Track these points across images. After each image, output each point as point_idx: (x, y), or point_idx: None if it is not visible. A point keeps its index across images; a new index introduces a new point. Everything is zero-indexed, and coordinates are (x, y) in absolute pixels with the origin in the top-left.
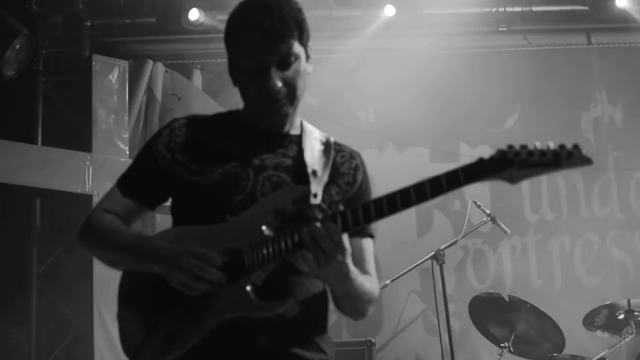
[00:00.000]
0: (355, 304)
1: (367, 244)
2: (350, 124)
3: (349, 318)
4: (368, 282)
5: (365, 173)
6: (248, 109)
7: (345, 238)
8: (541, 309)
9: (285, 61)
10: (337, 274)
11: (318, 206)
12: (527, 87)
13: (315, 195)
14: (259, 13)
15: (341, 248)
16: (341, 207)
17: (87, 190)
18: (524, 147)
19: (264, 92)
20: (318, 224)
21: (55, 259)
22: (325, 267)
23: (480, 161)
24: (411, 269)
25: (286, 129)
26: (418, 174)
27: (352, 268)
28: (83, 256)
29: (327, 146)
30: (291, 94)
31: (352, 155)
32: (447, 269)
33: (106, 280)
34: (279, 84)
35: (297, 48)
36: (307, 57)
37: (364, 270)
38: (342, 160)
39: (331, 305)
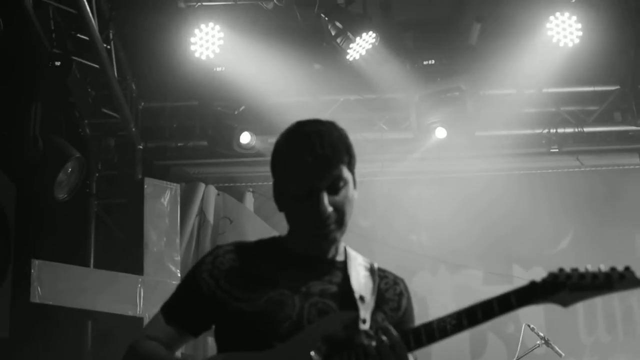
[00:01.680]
0: None
1: None
2: (402, 246)
3: None
4: None
5: (409, 299)
6: (295, 234)
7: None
8: None
9: (335, 186)
10: None
11: (366, 332)
12: (580, 208)
13: (364, 321)
14: (309, 138)
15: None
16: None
17: (138, 312)
18: (575, 270)
19: (314, 217)
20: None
21: None
22: None
23: (532, 284)
24: None
25: (331, 254)
26: (470, 297)
27: None
28: None
29: (372, 272)
30: (340, 220)
31: (396, 281)
32: None
33: None
34: (330, 208)
35: (346, 173)
36: (355, 182)
37: None
38: (386, 287)
39: None
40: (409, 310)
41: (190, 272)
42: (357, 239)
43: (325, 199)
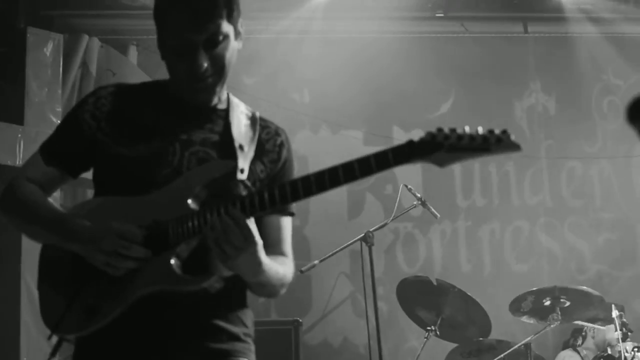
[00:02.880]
0: (266, 289)
1: (287, 222)
2: (284, 104)
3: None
4: (282, 267)
5: (289, 151)
6: (175, 84)
7: (255, 229)
8: (469, 293)
9: (213, 40)
10: (247, 266)
11: (243, 182)
12: (462, 73)
13: (242, 171)
14: None
15: (252, 243)
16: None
17: (17, 163)
18: (453, 130)
19: (190, 71)
20: (227, 218)
21: None
22: (234, 259)
23: (410, 143)
24: (340, 249)
25: (213, 103)
26: (351, 157)
27: (265, 260)
28: (11, 229)
29: (253, 121)
30: (218, 72)
31: (278, 132)
32: (376, 252)
33: (34, 254)
34: (206, 63)
35: (226, 27)
36: (237, 34)
37: (280, 251)
38: (267, 137)
39: None
40: (288, 162)
41: (71, 112)
42: (240, 96)
43: (201, 53)
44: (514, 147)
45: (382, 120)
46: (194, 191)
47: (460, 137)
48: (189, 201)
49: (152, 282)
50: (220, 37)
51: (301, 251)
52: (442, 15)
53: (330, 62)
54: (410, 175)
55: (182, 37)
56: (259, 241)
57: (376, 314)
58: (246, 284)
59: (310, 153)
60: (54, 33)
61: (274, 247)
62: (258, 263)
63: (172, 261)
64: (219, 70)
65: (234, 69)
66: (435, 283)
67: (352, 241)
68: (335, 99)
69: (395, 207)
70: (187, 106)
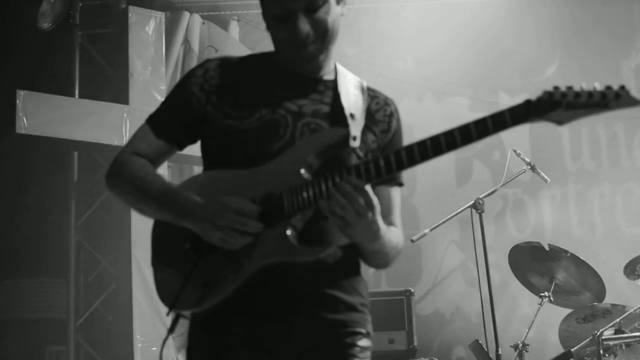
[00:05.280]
0: (381, 259)
1: (396, 192)
2: (388, 73)
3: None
4: (394, 236)
5: (399, 121)
6: (280, 54)
7: (373, 194)
8: (581, 258)
9: (313, 6)
10: (366, 232)
11: (355, 151)
12: (566, 35)
13: (354, 138)
14: None
15: (370, 206)
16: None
17: (124, 142)
18: (570, 88)
19: (292, 38)
20: (346, 185)
21: (93, 211)
22: (355, 226)
23: (527, 102)
24: (450, 218)
25: (321, 73)
26: (457, 123)
27: (383, 226)
28: (121, 208)
29: (362, 91)
30: (321, 37)
31: (387, 102)
32: (486, 219)
33: (145, 232)
34: (307, 28)
35: None
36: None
37: (389, 222)
38: (377, 107)
39: None
40: (398, 132)
41: (179, 84)
42: (343, 66)
43: (302, 19)
44: (634, 102)
45: (487, 86)
46: (307, 160)
47: (578, 94)
48: (302, 171)
49: (269, 254)
50: (320, 2)
51: (410, 221)
52: None
53: (432, 30)
54: (517, 141)
55: (281, 4)
56: (378, 205)
57: (489, 281)
58: (359, 254)
59: (415, 121)
60: (156, 11)
61: (383, 218)
62: (377, 228)
63: (289, 232)
64: (322, 35)
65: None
66: (547, 248)
67: (462, 209)
68: (439, 66)
69: (505, 173)
70: (295, 77)
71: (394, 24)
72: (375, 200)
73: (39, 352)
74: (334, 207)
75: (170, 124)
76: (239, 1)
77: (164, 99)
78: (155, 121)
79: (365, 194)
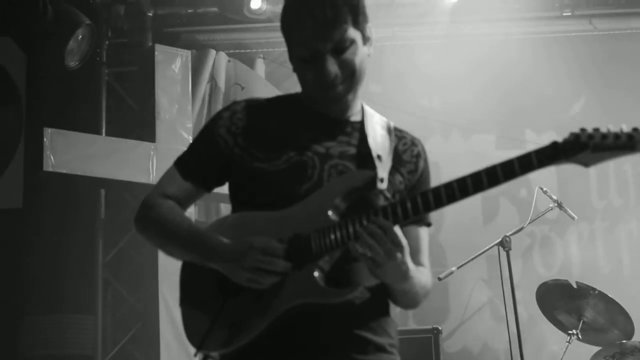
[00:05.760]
0: (411, 299)
1: (424, 233)
2: (414, 111)
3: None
4: (424, 276)
5: (426, 161)
6: (307, 95)
7: (401, 235)
8: (609, 295)
9: (340, 47)
10: (395, 273)
11: (382, 192)
12: (593, 72)
13: (382, 180)
14: (310, 1)
15: (399, 247)
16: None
17: (151, 180)
18: (597, 130)
19: (320, 79)
20: (374, 226)
21: (120, 249)
22: (384, 267)
23: (554, 144)
24: (477, 255)
25: (348, 114)
26: (483, 161)
27: (412, 266)
28: (148, 246)
29: (389, 132)
30: (349, 79)
31: (414, 142)
32: (513, 256)
33: (172, 270)
34: (335, 69)
35: (352, 33)
36: (366, 40)
37: (418, 262)
38: (404, 148)
39: None
40: (425, 173)
41: (207, 126)
42: (369, 105)
43: (329, 60)
44: None
45: (513, 124)
46: (334, 202)
47: (605, 136)
48: (330, 212)
49: (297, 296)
50: (347, 43)
51: (437, 258)
52: (569, 14)
53: (458, 67)
54: (544, 178)
55: (309, 47)
56: (407, 246)
57: (516, 319)
58: (388, 295)
59: (442, 159)
60: (182, 50)
61: (412, 258)
62: (406, 268)
63: (316, 274)
64: (350, 76)
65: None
66: (575, 286)
67: (489, 246)
68: (465, 104)
69: (532, 210)
70: (322, 119)
71: (419, 61)
72: (404, 240)
73: None
74: (363, 249)
75: (197, 166)
76: (265, 39)
77: (191, 142)
78: (183, 163)
79: (393, 235)
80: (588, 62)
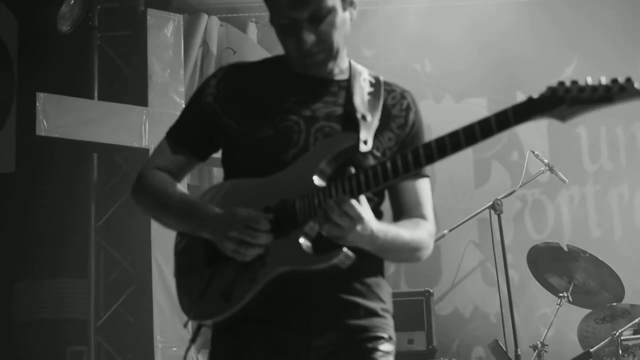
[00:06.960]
0: (396, 256)
1: (423, 184)
2: (406, 75)
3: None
4: (410, 231)
5: (417, 112)
6: (290, 60)
7: (363, 201)
8: (600, 258)
9: (317, 15)
10: (360, 240)
11: (371, 152)
12: (584, 35)
13: (365, 142)
14: None
15: (357, 219)
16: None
17: (143, 144)
18: (574, 82)
19: (297, 48)
20: (331, 201)
21: (113, 213)
22: (346, 238)
23: (530, 100)
24: (469, 219)
25: (334, 74)
26: None
27: (376, 228)
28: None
29: (377, 87)
30: (327, 48)
31: (403, 95)
32: (505, 220)
33: (164, 233)
34: (311, 39)
35: (331, 0)
36: (347, 4)
37: (418, 214)
38: (393, 102)
39: None
40: (417, 124)
41: (194, 96)
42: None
43: (305, 30)
44: (639, 94)
45: (504, 87)
46: (319, 167)
47: (582, 89)
48: (315, 178)
49: (282, 263)
50: (325, 11)
51: None
52: None
53: (450, 31)
54: (536, 141)
55: (285, 15)
56: (365, 216)
57: (507, 282)
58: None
59: (434, 122)
60: (174, 14)
61: (411, 211)
62: (369, 234)
63: (301, 240)
64: (327, 45)
65: (353, 40)
66: (566, 249)
67: (481, 209)
68: (457, 68)
69: (523, 174)
70: (308, 80)
71: (411, 26)
72: (361, 211)
73: (59, 353)
74: (322, 223)
75: (187, 137)
76: (257, 3)
77: (181, 112)
78: (173, 135)
79: (349, 208)
80: (581, 24)
